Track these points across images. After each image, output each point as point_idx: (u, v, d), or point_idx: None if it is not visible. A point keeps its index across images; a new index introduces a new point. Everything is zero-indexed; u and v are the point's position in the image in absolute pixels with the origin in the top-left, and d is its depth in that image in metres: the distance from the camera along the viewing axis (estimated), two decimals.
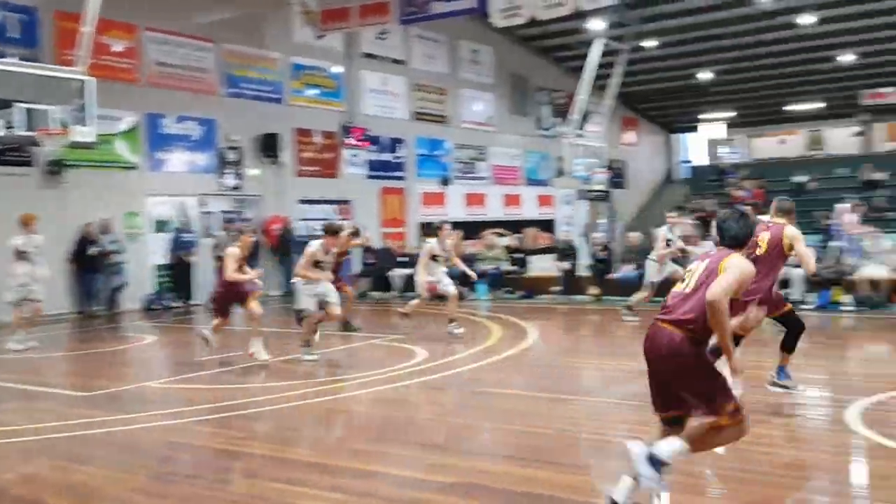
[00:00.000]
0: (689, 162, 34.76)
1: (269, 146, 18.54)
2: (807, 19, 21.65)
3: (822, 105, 29.94)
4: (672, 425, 4.26)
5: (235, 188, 18.29)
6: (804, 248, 6.76)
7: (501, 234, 18.97)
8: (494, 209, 24.42)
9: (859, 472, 5.36)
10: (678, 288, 4.33)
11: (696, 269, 4.30)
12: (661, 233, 12.55)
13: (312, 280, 9.38)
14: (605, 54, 20.96)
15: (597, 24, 20.59)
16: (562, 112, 24.05)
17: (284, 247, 17.59)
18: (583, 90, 20.66)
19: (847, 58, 25.12)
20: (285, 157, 18.98)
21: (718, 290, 4.00)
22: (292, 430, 6.73)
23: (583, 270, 16.72)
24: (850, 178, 28.00)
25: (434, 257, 11.32)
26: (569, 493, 4.86)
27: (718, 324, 4.00)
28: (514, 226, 20.99)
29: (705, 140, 35.22)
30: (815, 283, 13.32)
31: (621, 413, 6.93)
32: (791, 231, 6.66)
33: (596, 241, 17.38)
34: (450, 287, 11.34)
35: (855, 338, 11.86)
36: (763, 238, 6.60)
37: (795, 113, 30.94)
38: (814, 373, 8.97)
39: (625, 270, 15.96)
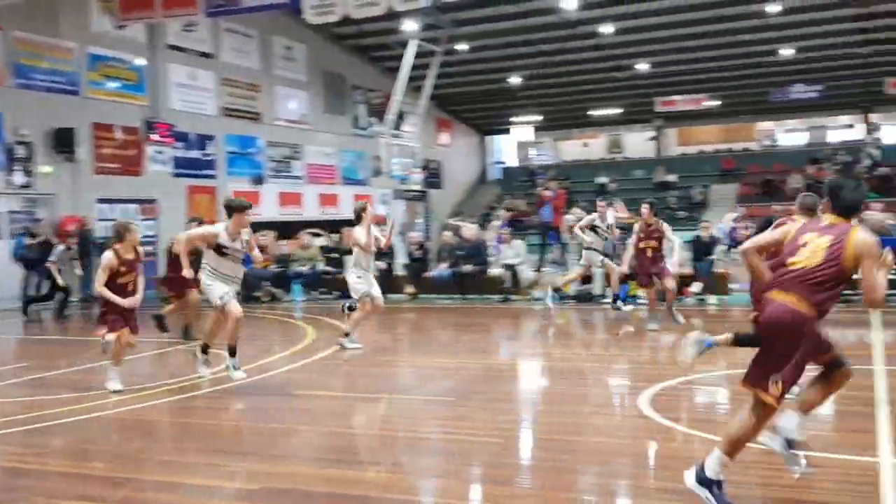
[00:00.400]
0: (501, 163, 35.93)
1: (63, 141, 17.27)
2: (606, 29, 22.97)
3: (620, 111, 31.87)
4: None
5: (25, 186, 16.91)
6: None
7: (317, 235, 18.71)
8: (310, 209, 24.08)
9: (650, 455, 5.68)
10: (797, 264, 4.19)
11: (814, 242, 4.19)
12: (589, 217, 13.38)
13: None
14: (420, 55, 21.23)
15: (411, 26, 20.81)
16: (378, 112, 24.13)
17: (83, 248, 16.44)
18: (398, 90, 20.81)
19: (643, 66, 26.90)
20: (82, 153, 17.75)
21: (875, 284, 4.02)
22: (89, 444, 6.26)
23: (399, 269, 16.83)
24: (646, 180, 30.05)
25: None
26: (380, 491, 4.82)
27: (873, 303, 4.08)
28: (331, 226, 20.80)
29: (516, 142, 36.56)
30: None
31: (434, 410, 6.99)
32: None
33: (412, 240, 17.54)
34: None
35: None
36: None
37: (597, 118, 32.74)
38: (613, 362, 9.51)
39: (440, 269, 16.23)
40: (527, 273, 15.95)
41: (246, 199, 8.52)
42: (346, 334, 9.83)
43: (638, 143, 34.44)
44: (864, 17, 23.17)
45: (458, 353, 10.21)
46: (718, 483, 4.24)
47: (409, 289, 16.14)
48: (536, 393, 8.20)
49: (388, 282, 16.51)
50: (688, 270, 14.22)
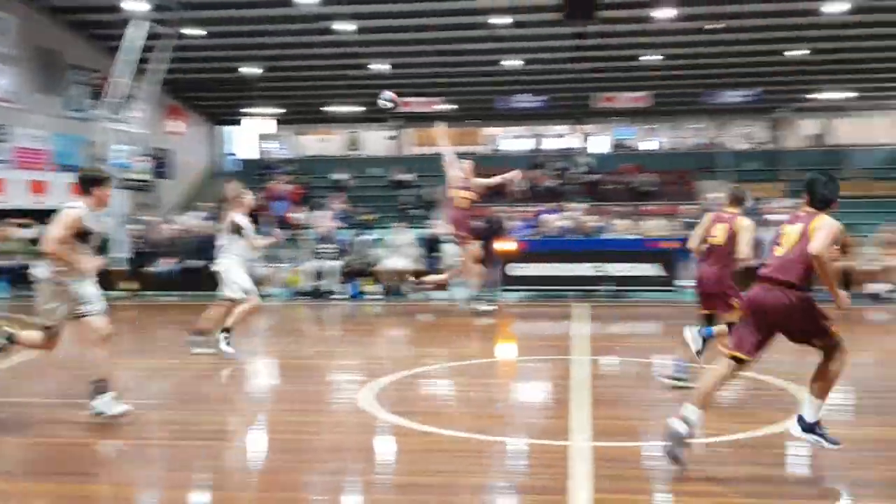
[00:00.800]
0: (234, 154, 34.89)
1: None
2: (346, 27, 23.05)
3: (362, 108, 32.22)
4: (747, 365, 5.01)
5: None
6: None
7: (26, 225, 16.98)
8: (17, 196, 21.78)
9: (372, 449, 5.73)
10: (779, 251, 4.96)
11: (790, 232, 4.96)
12: None
13: None
14: (148, 38, 19.97)
15: (136, 5, 19.53)
16: (99, 94, 22.36)
17: None
18: (120, 72, 19.42)
19: (381, 67, 27.34)
20: None
21: (820, 245, 4.70)
22: None
23: (119, 264, 15.71)
24: (382, 178, 30.60)
25: None
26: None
27: (824, 273, 4.73)
28: (42, 215, 18.92)
29: (255, 134, 35.69)
30: (346, 274, 14.24)
31: (149, 414, 6.55)
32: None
33: (134, 232, 16.46)
34: None
35: (380, 324, 12.88)
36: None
37: (336, 114, 32.81)
38: (344, 358, 9.53)
39: (165, 264, 15.38)
40: (259, 269, 15.56)
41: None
42: (227, 329, 8.95)
43: (378, 141, 35.05)
44: (579, 36, 25.30)
45: (179, 353, 9.69)
46: (818, 424, 4.99)
47: (130, 285, 15.12)
48: (259, 392, 7.99)
49: (105, 278, 15.41)
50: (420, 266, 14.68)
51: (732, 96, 31.95)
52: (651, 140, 42.28)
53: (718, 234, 6.93)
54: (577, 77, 29.39)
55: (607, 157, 34.80)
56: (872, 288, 13.44)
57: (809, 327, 4.90)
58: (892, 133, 40.61)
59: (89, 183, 6.32)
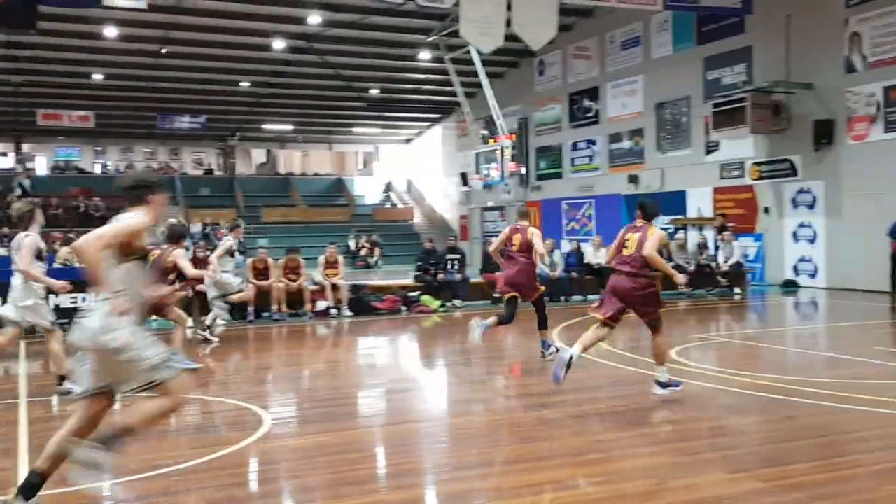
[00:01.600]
0: None
1: None
2: None
3: None
4: (611, 328, 7.37)
5: None
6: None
7: None
8: None
9: None
10: (626, 252, 7.23)
11: (633, 237, 7.23)
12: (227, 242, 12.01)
13: None
14: None
15: None
16: None
17: None
18: None
19: None
20: None
21: (651, 248, 7.07)
22: None
23: None
24: None
25: None
26: None
27: (658, 265, 7.18)
28: None
29: None
30: None
31: None
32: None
33: None
34: None
35: None
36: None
37: None
38: None
39: None
40: None
41: None
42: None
43: None
44: (14, 46, 23.03)
45: None
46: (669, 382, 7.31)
47: None
48: None
49: None
50: None
51: (184, 122, 32.32)
52: (98, 162, 40.59)
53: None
54: (16, 91, 26.74)
55: (49, 180, 32.38)
56: (320, 306, 14.72)
57: (645, 307, 7.16)
58: (328, 165, 45.37)
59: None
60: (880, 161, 17.41)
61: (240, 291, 12.06)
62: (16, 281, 7.60)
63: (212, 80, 28.46)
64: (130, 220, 4.40)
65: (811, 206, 19.26)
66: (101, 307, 4.20)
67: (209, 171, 40.35)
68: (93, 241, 4.14)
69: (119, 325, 4.14)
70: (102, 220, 19.82)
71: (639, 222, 7.36)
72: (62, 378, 7.72)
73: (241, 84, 29.40)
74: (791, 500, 4.58)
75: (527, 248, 9.25)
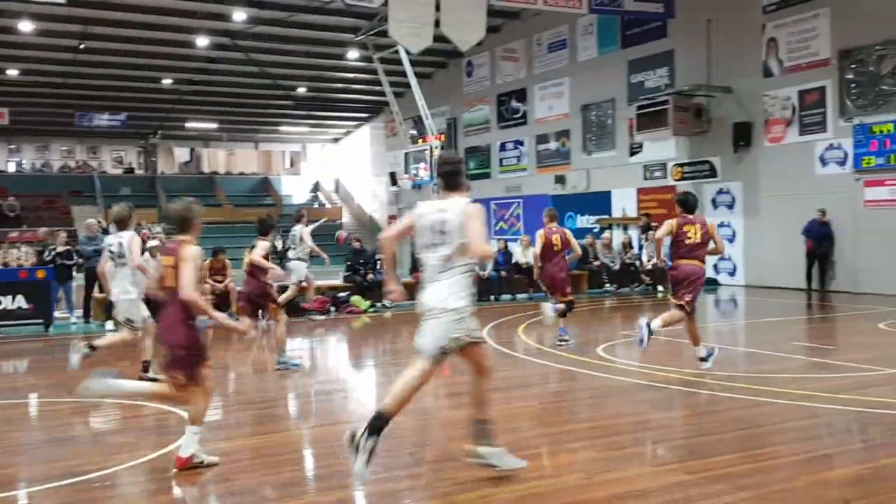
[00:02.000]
0: None
1: None
2: None
3: None
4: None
5: None
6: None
7: None
8: None
9: None
10: (691, 241, 8.36)
11: (694, 228, 8.34)
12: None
13: None
14: None
15: None
16: None
17: None
18: None
19: None
20: None
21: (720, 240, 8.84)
22: None
23: None
24: None
25: None
26: None
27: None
28: None
29: None
30: None
31: None
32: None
33: None
34: None
35: None
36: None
37: None
38: None
39: None
40: None
41: None
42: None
43: None
44: None
45: None
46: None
47: None
48: None
49: None
50: None
51: (104, 119, 31.45)
52: (13, 160, 39.19)
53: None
54: None
55: None
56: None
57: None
58: (254, 164, 44.71)
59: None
60: (796, 163, 18.06)
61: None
62: (123, 274, 8.32)
63: (132, 76, 27.73)
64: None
65: (730, 207, 19.85)
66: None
67: (130, 170, 39.32)
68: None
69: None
70: (17, 220, 19.23)
71: (689, 216, 8.38)
72: (147, 364, 8.53)
73: (164, 81, 28.71)
74: (715, 491, 4.70)
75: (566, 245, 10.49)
